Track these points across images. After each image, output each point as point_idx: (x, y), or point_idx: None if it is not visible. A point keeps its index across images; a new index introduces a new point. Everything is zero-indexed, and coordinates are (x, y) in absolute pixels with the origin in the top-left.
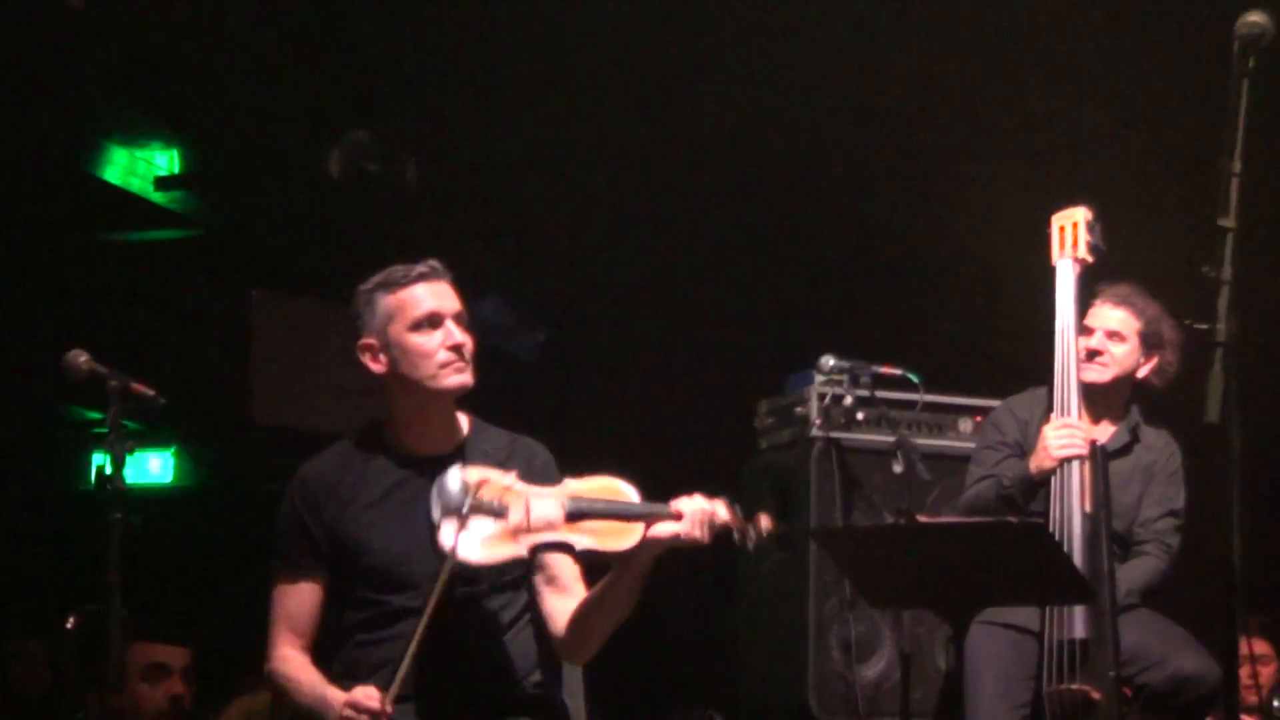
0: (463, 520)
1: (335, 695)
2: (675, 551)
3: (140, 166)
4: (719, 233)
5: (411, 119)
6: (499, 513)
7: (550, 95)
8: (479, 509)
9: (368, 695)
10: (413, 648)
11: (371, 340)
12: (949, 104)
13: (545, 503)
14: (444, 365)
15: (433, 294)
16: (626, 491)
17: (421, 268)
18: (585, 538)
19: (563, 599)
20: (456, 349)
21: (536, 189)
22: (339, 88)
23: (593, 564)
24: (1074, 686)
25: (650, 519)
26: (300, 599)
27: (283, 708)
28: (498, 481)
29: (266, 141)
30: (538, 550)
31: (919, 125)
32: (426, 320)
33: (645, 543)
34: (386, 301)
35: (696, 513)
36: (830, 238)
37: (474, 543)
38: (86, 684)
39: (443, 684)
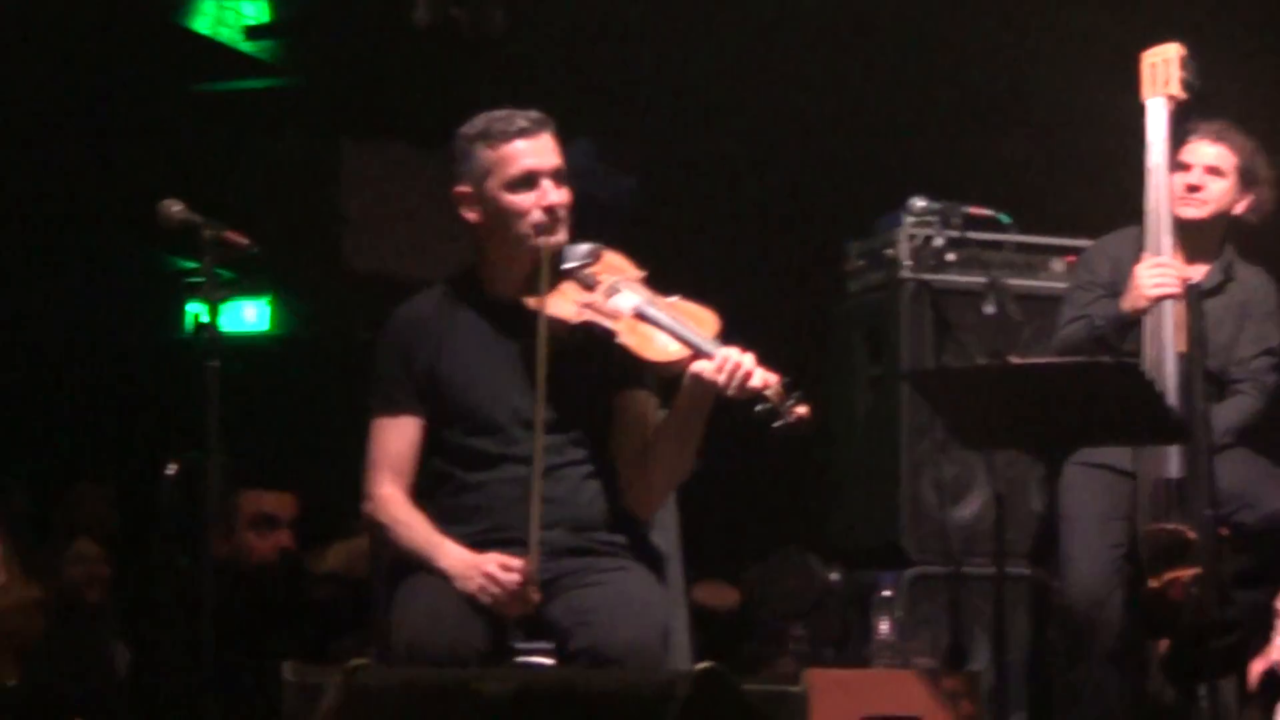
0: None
1: (455, 551)
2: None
3: (229, 16)
4: (807, 75)
5: None
6: (588, 286)
7: None
8: (574, 275)
9: (506, 567)
10: (535, 507)
11: (467, 189)
12: None
13: (626, 297)
14: (536, 225)
15: (532, 150)
16: (707, 324)
17: (522, 121)
18: (630, 336)
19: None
20: (550, 210)
21: (625, 31)
22: None
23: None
24: (1169, 526)
25: (698, 351)
26: (401, 436)
27: (381, 550)
28: (615, 266)
29: None
30: (586, 326)
31: None
32: (523, 179)
33: (682, 366)
34: (485, 154)
35: (730, 361)
36: (918, 77)
37: (548, 296)
38: (187, 530)
39: (546, 528)
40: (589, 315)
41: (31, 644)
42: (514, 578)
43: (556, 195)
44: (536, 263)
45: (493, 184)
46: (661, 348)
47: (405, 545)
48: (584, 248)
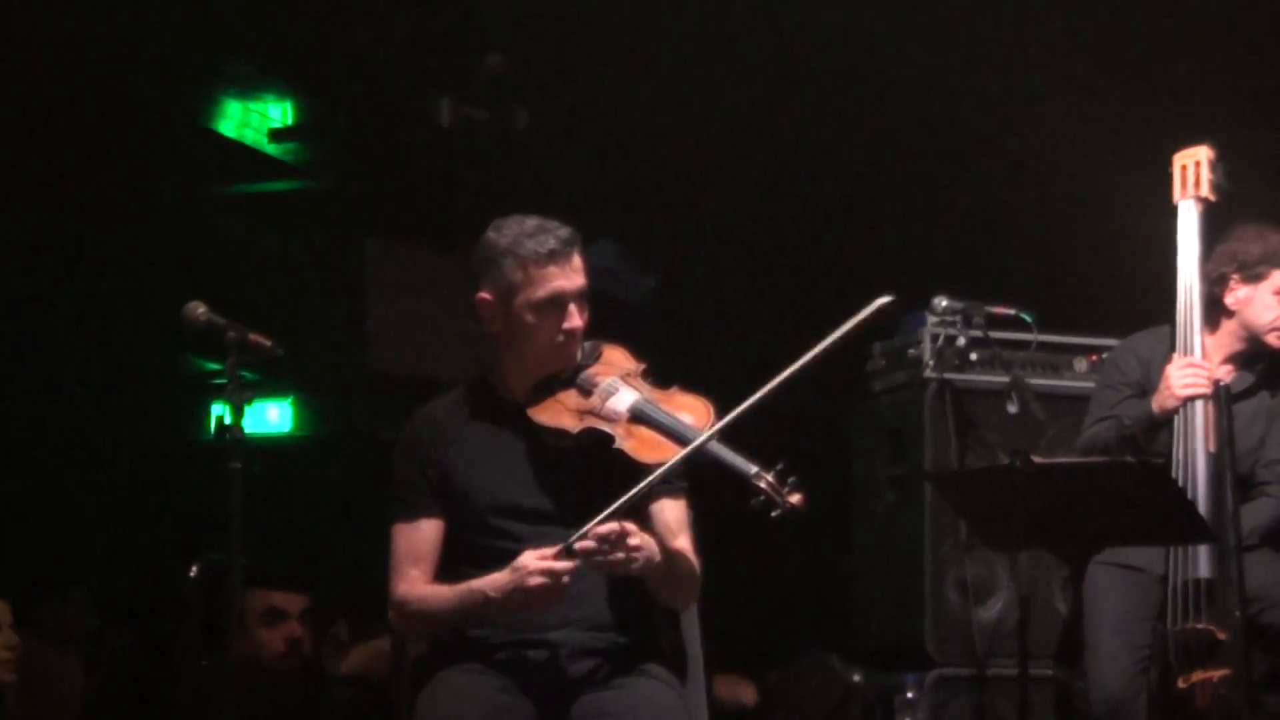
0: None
1: (494, 577)
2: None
3: (254, 119)
4: (831, 173)
5: (522, 63)
6: (586, 391)
7: (660, 35)
8: (574, 381)
9: (540, 556)
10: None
11: (490, 298)
12: (1069, 40)
13: (624, 396)
14: (554, 347)
15: (561, 274)
16: (700, 414)
17: (553, 242)
18: (627, 440)
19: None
20: (570, 333)
21: (646, 131)
22: (449, 37)
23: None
24: (1199, 626)
25: (690, 446)
26: (420, 537)
27: (404, 652)
28: (615, 362)
29: (378, 92)
30: (586, 434)
31: (1038, 61)
32: (550, 302)
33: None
34: (514, 273)
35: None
36: (944, 177)
37: (551, 406)
38: (208, 631)
39: (565, 627)
40: (588, 422)
41: None
42: (562, 565)
43: (579, 319)
44: (545, 374)
45: (518, 302)
46: (656, 449)
47: (441, 614)
48: (585, 346)
